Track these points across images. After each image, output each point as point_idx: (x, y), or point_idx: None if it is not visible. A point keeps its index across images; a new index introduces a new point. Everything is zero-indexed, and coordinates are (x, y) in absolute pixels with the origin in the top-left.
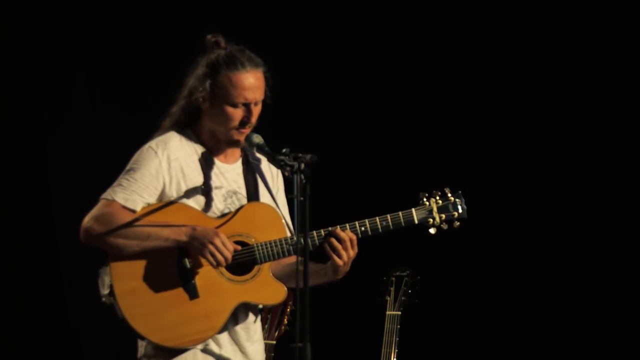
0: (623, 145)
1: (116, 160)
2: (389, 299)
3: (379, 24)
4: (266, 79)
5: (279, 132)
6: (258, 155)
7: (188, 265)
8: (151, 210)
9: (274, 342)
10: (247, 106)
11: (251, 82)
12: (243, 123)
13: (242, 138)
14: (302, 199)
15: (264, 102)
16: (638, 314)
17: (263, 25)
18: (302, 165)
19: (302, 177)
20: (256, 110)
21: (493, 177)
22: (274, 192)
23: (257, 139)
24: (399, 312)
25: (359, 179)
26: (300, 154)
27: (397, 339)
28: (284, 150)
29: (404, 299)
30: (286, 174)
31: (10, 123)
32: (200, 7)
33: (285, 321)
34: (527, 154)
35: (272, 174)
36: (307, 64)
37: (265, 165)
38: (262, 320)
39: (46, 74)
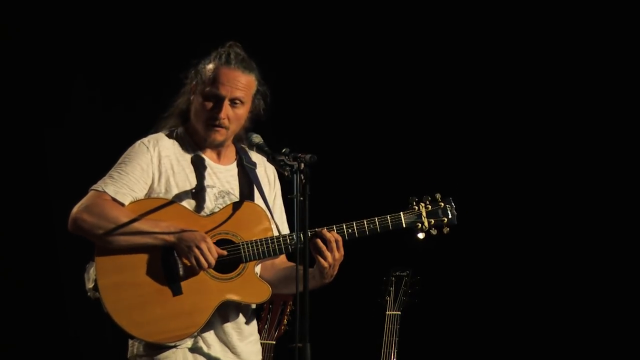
0: (617, 145)
1: (115, 159)
2: (389, 299)
3: (377, 26)
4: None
5: (279, 132)
6: (254, 159)
7: (173, 261)
8: (141, 206)
9: (274, 342)
10: (219, 101)
11: (230, 79)
12: (212, 118)
13: (216, 137)
14: (302, 199)
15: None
16: (637, 313)
17: (263, 26)
18: (302, 165)
19: (302, 177)
20: (231, 112)
21: (492, 179)
22: (270, 198)
23: (257, 139)
24: (399, 312)
25: (352, 181)
26: (300, 154)
27: (397, 339)
28: (283, 150)
29: (404, 299)
30: (286, 174)
31: (10, 122)
32: (199, 7)
33: (285, 321)
34: (525, 156)
35: (268, 180)
36: (306, 66)
37: (261, 171)
38: (262, 320)
39: (46, 74)
